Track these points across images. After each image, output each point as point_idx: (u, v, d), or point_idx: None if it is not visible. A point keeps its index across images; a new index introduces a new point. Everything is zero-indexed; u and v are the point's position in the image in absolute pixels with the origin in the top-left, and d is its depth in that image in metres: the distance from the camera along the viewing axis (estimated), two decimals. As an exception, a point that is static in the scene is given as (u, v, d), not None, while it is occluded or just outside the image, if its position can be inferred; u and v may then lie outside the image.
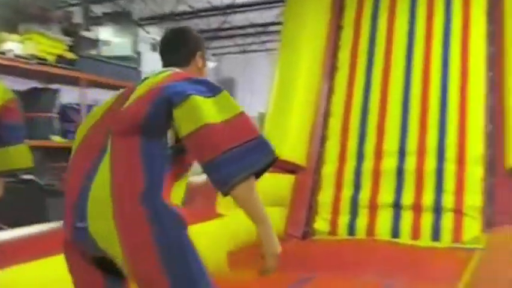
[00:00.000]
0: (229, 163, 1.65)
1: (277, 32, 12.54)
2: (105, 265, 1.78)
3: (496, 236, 2.74)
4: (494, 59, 4.91)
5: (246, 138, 1.70)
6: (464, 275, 2.66)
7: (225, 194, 1.70)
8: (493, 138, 4.64)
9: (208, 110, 1.68)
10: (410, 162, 4.78)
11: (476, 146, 4.66)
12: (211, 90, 1.77)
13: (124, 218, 1.65)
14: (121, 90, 1.96)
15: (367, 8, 5.63)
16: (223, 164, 1.65)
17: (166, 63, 2.03)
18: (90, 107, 6.85)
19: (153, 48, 14.30)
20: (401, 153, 4.84)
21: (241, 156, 1.67)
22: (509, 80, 4.63)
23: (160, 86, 1.76)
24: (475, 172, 4.58)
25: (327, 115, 5.35)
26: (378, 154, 4.89)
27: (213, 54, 14.72)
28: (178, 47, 2.06)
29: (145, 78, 1.91)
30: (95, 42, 7.64)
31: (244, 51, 15.69)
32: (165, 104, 1.70)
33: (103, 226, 1.65)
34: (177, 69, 1.95)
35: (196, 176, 4.52)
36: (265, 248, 1.75)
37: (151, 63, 13.82)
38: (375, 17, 5.55)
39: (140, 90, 1.81)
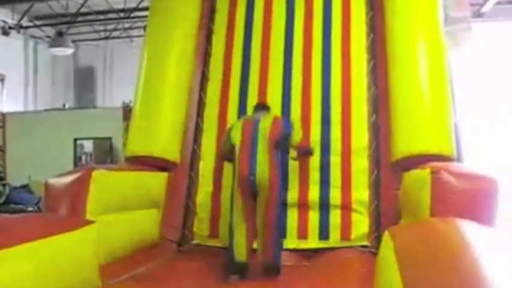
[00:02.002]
0: None
1: (141, 17, 11.95)
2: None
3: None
4: (376, 47, 4.73)
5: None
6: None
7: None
8: (377, 130, 4.46)
9: (296, 135, 4.06)
10: (294, 157, 4.50)
11: (360, 138, 4.47)
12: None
13: (272, 168, 3.78)
14: (243, 122, 4.04)
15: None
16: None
17: (259, 110, 4.20)
18: None
19: (4, 32, 12.92)
20: (284, 148, 4.56)
21: None
22: (392, 69, 4.46)
23: (280, 124, 3.98)
24: (361, 165, 4.39)
25: (202, 105, 4.91)
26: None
27: (72, 41, 13.57)
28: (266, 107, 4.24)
29: (258, 120, 4.01)
30: None
31: (106, 38, 14.74)
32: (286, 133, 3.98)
33: (265, 175, 3.66)
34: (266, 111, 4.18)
35: (56, 177, 3.93)
36: None
37: (2, 49, 12.70)
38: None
39: (267, 122, 3.96)
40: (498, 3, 10.20)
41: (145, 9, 9.82)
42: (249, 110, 4.70)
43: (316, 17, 4.94)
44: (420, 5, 4.60)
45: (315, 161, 4.45)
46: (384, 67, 4.57)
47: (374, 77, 4.65)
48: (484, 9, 10.31)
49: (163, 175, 4.60)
